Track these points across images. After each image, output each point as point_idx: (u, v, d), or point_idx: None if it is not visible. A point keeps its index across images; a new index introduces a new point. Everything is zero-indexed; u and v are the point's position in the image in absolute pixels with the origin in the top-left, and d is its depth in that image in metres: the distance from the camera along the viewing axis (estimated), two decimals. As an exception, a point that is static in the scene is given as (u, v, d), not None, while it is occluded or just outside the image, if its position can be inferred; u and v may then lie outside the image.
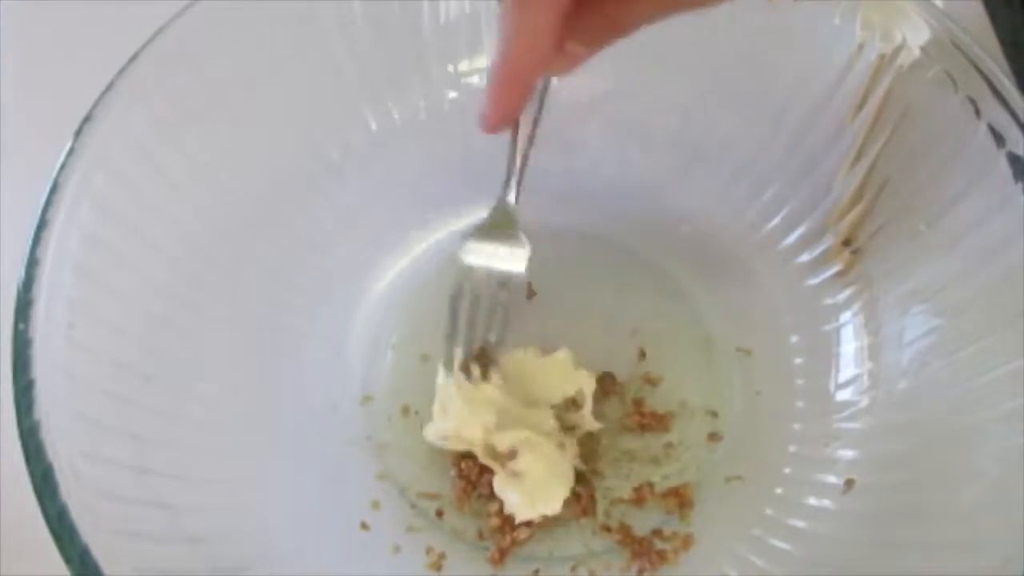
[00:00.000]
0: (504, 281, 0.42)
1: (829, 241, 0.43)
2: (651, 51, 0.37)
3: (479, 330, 0.42)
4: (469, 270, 0.42)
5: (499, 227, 0.42)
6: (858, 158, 0.41)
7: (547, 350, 0.43)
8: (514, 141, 0.38)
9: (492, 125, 0.34)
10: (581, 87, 0.46)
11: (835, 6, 0.40)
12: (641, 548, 0.40)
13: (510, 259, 0.42)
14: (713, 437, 0.43)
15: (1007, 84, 0.36)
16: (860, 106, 0.40)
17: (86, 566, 0.31)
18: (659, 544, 0.40)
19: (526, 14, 0.30)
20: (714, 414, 0.43)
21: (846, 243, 0.42)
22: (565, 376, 0.42)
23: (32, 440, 0.32)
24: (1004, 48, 0.47)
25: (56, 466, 0.32)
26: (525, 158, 0.39)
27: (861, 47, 0.39)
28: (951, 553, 0.35)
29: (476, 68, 0.47)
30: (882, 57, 0.39)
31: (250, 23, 0.41)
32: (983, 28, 0.48)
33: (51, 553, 0.31)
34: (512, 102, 0.33)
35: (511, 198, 0.41)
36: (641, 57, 0.39)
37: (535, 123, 0.37)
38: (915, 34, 0.38)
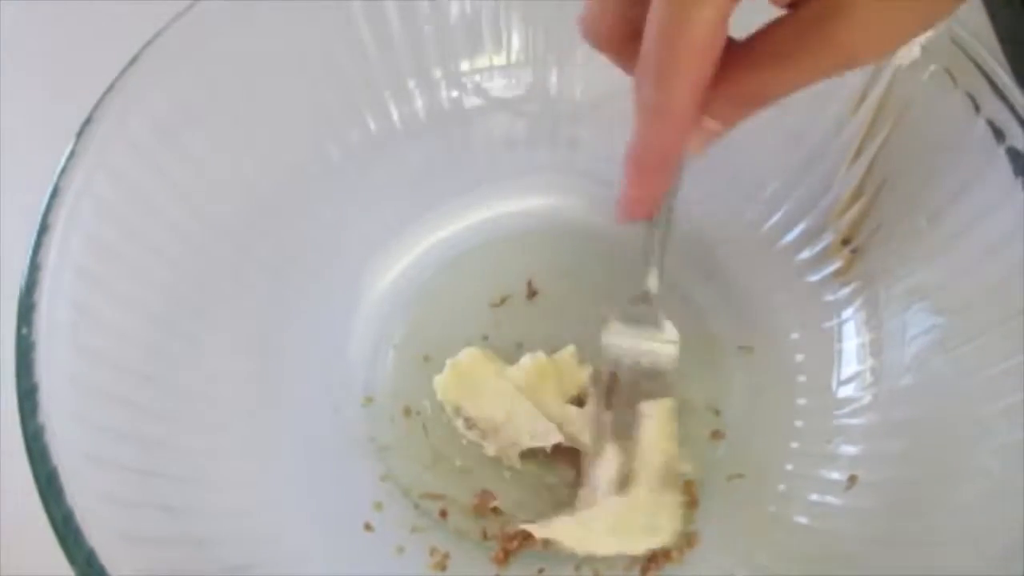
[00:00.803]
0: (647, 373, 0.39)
1: (829, 238, 0.43)
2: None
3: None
4: (614, 361, 0.39)
5: (643, 318, 0.39)
6: (857, 155, 0.41)
7: (552, 348, 0.43)
8: (651, 225, 0.35)
9: (633, 212, 0.32)
10: (582, 87, 0.46)
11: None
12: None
13: (656, 353, 0.39)
14: (715, 435, 0.43)
15: (1006, 79, 0.36)
16: (860, 103, 0.40)
17: (92, 569, 0.30)
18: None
19: (665, 91, 0.27)
20: (716, 412, 0.43)
21: (846, 241, 0.42)
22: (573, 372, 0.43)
23: (36, 444, 0.32)
24: (1004, 48, 0.47)
25: (61, 469, 0.32)
26: (664, 243, 0.36)
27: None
28: (953, 548, 0.35)
29: (477, 68, 0.47)
30: (899, 66, 0.39)
31: (250, 24, 0.41)
32: (983, 28, 0.48)
33: (53, 554, 0.31)
34: (655, 187, 0.31)
35: (653, 286, 0.37)
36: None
37: (670, 206, 0.34)
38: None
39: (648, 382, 0.39)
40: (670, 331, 0.39)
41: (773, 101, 0.28)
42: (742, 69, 0.28)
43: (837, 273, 0.43)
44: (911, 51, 0.39)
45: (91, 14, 0.53)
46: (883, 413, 0.40)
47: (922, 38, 0.38)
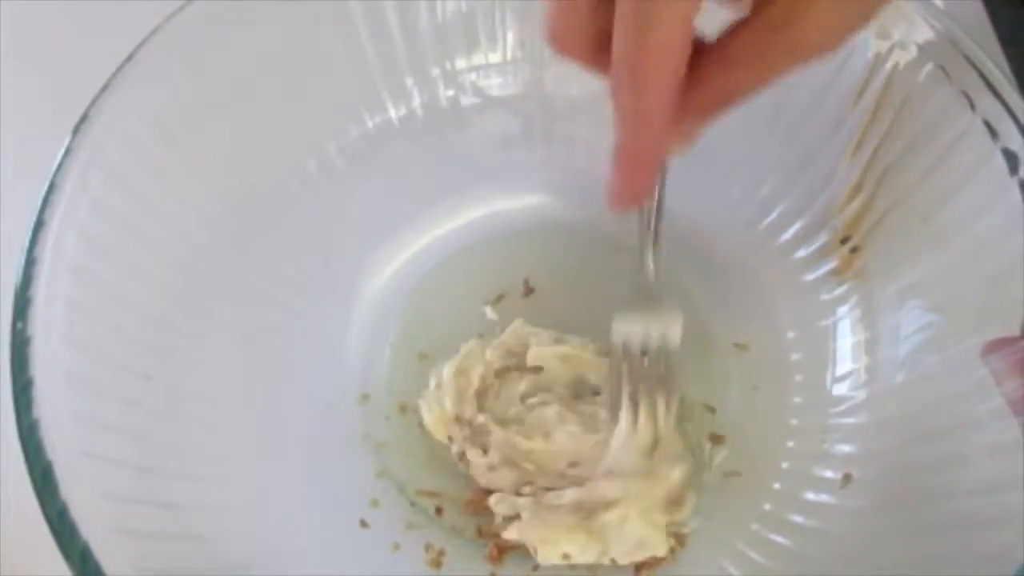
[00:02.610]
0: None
1: (826, 237, 0.43)
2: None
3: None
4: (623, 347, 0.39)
5: (646, 304, 0.39)
6: (855, 153, 0.41)
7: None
8: (643, 218, 0.36)
9: (621, 206, 0.32)
10: (577, 84, 0.46)
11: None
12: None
13: (664, 329, 0.39)
14: (711, 434, 0.43)
15: (1000, 77, 0.36)
16: (857, 101, 0.40)
17: (87, 564, 0.31)
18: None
19: (640, 94, 0.28)
20: (712, 410, 0.43)
21: (844, 239, 0.42)
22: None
23: (31, 439, 0.32)
24: (1004, 48, 0.47)
25: (55, 464, 0.32)
26: (656, 230, 0.37)
27: (858, 44, 0.40)
28: (947, 546, 0.35)
29: (474, 65, 0.47)
30: (878, 54, 0.39)
31: (246, 22, 0.41)
32: (983, 28, 0.48)
33: (52, 554, 0.31)
34: (639, 184, 0.32)
35: (650, 274, 0.38)
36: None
37: (659, 198, 0.35)
38: (912, 32, 0.39)
39: (657, 365, 0.39)
40: (672, 310, 0.39)
41: (745, 99, 0.29)
42: (715, 69, 0.29)
43: (834, 272, 0.43)
44: (908, 51, 0.39)
45: (91, 14, 0.54)
46: (877, 411, 0.40)
47: (920, 38, 0.38)
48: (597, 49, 0.29)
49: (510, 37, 0.46)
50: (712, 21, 0.29)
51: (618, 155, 0.31)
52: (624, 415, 0.39)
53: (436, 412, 0.42)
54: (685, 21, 0.27)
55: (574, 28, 0.29)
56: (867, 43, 0.40)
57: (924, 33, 0.38)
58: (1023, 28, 0.48)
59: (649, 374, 0.39)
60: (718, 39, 0.29)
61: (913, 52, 0.39)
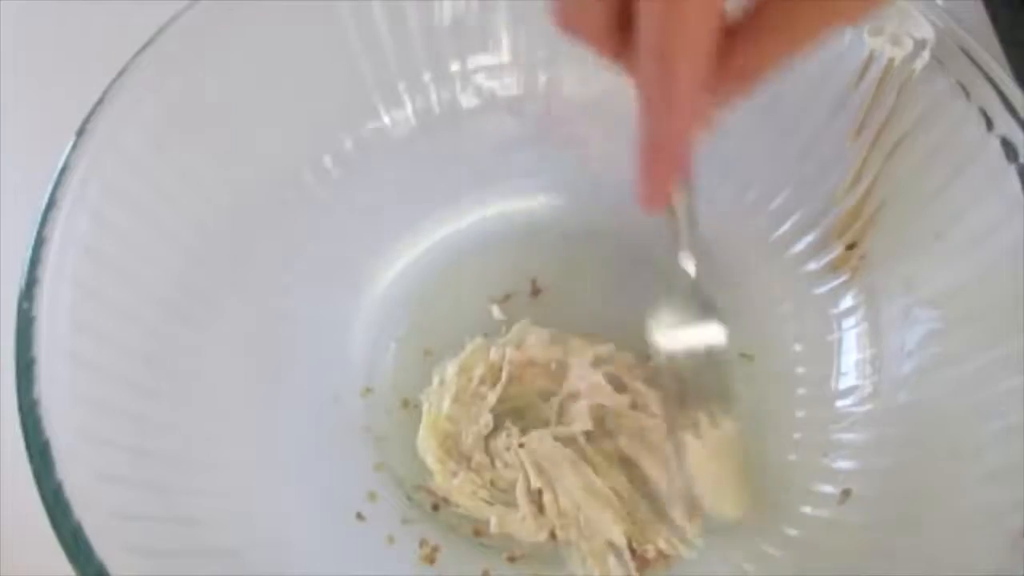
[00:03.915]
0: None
1: (837, 251, 0.43)
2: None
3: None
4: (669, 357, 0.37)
5: (686, 305, 0.37)
6: (863, 166, 0.41)
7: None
8: (674, 214, 0.34)
9: (650, 202, 0.31)
10: (580, 85, 0.46)
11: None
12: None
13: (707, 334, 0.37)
14: (712, 443, 0.42)
15: (996, 68, 0.36)
16: (867, 113, 0.40)
17: (78, 544, 0.31)
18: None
19: (670, 77, 0.27)
20: (714, 420, 0.43)
21: (850, 246, 0.42)
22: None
23: (31, 417, 0.32)
24: (1004, 48, 0.47)
25: (53, 443, 0.32)
26: (691, 228, 0.35)
27: (872, 54, 0.39)
28: (946, 565, 0.34)
29: (482, 66, 0.46)
30: (890, 62, 0.39)
31: (244, 28, 0.41)
32: (983, 28, 0.48)
33: (52, 553, 0.31)
34: (670, 178, 0.31)
35: (690, 269, 0.36)
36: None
37: (691, 187, 0.33)
38: (907, 26, 0.38)
39: (708, 374, 0.37)
40: (712, 311, 0.37)
41: (762, 79, 0.29)
42: (744, 42, 0.28)
43: (845, 284, 0.43)
44: (904, 46, 0.38)
45: (91, 14, 0.54)
46: (880, 428, 0.39)
47: (916, 32, 0.38)
48: (611, 31, 0.28)
49: (510, 39, 0.46)
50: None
51: (646, 149, 0.30)
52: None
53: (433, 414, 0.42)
54: (715, 3, 0.26)
55: (590, 10, 0.28)
56: (862, 38, 0.39)
57: (922, 29, 0.38)
58: (1023, 28, 0.47)
59: (703, 389, 0.37)
60: (745, 12, 0.28)
61: (909, 46, 0.38)
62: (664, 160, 0.30)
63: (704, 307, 0.37)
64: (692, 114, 0.28)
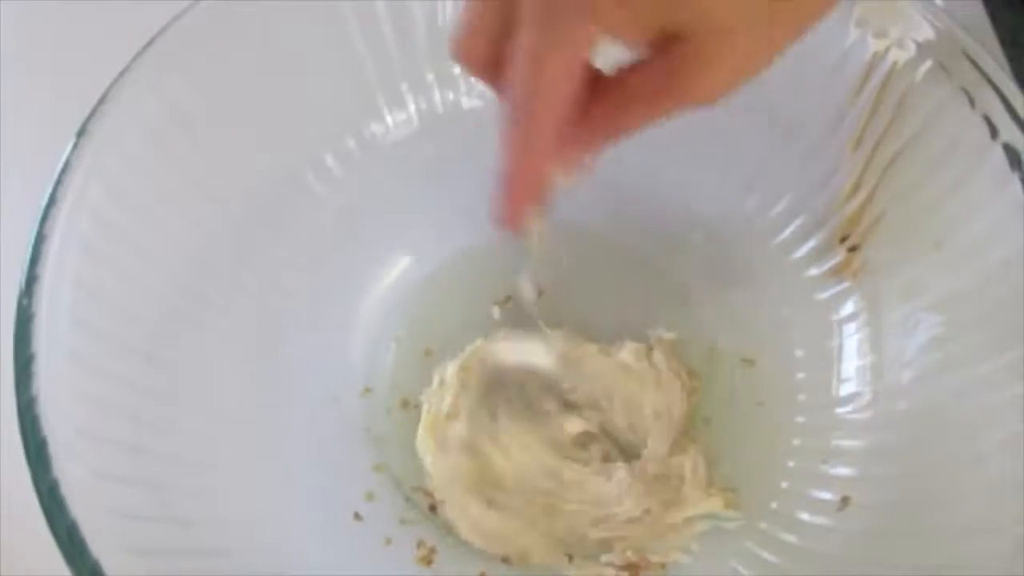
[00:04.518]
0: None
1: (838, 257, 0.43)
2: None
3: None
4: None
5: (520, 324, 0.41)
6: (865, 172, 0.40)
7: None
8: (528, 243, 0.37)
9: (503, 225, 0.33)
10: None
11: (848, 15, 0.39)
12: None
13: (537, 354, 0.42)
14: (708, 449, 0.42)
15: (999, 72, 0.36)
16: (865, 126, 0.40)
17: (73, 541, 0.31)
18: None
19: (527, 124, 0.30)
20: (707, 421, 0.43)
21: (852, 249, 0.42)
22: None
23: (29, 414, 0.33)
24: (1004, 48, 0.46)
25: (51, 441, 0.32)
26: (541, 255, 0.38)
27: (875, 57, 0.39)
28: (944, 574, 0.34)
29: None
30: (893, 66, 0.39)
31: (245, 28, 0.41)
32: (983, 29, 0.48)
33: (52, 553, 0.31)
34: (519, 210, 0.33)
35: (529, 294, 0.40)
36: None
37: (543, 226, 0.35)
38: (911, 30, 0.38)
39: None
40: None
41: (632, 134, 0.31)
42: (610, 103, 0.30)
43: (846, 290, 0.43)
44: (907, 49, 0.38)
45: (93, 13, 0.54)
46: (879, 435, 0.39)
47: (919, 36, 0.38)
48: (496, 69, 0.30)
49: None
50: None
51: (502, 177, 0.32)
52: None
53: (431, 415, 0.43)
54: (577, 62, 0.28)
55: (477, 47, 0.31)
56: (866, 42, 0.39)
57: (923, 30, 0.38)
58: (1023, 29, 0.47)
59: None
60: (616, 75, 0.30)
61: (912, 50, 0.38)
62: (518, 190, 0.32)
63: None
64: (548, 156, 0.31)
